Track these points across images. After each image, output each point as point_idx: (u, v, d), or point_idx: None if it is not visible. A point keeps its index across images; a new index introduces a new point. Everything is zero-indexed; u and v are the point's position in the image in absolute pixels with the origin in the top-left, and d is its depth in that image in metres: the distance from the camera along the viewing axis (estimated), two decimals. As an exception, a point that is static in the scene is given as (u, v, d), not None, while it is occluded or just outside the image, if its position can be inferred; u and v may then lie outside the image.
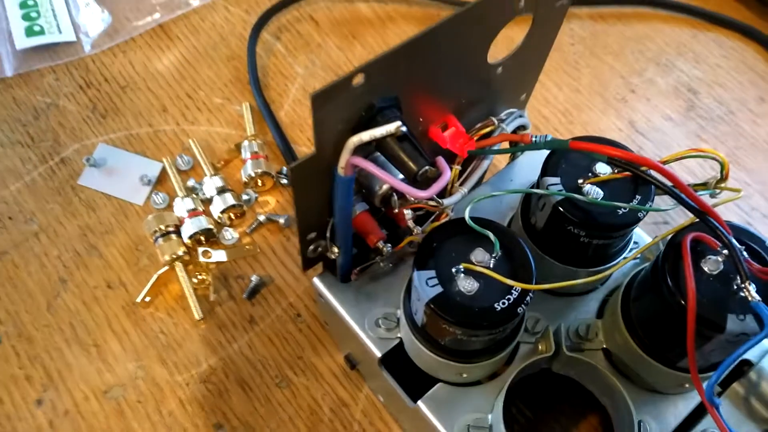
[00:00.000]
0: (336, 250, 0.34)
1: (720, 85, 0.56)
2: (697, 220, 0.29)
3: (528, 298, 0.29)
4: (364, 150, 0.29)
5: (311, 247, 0.34)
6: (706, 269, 0.29)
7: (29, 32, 0.54)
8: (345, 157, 0.28)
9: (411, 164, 0.28)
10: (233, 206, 0.47)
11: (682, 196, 0.29)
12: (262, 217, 0.48)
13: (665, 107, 0.55)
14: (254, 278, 0.45)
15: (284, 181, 0.49)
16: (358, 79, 0.26)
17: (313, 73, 0.55)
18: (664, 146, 0.53)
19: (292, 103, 0.53)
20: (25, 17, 0.55)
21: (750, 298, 0.27)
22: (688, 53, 0.58)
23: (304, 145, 0.51)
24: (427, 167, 0.28)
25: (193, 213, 0.46)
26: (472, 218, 0.30)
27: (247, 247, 0.47)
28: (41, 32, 0.55)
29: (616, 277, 0.38)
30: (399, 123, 0.27)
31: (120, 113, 0.52)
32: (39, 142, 0.51)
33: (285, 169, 0.49)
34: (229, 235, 0.47)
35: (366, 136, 0.27)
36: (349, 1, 0.59)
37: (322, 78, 0.55)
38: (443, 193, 0.35)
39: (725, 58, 0.58)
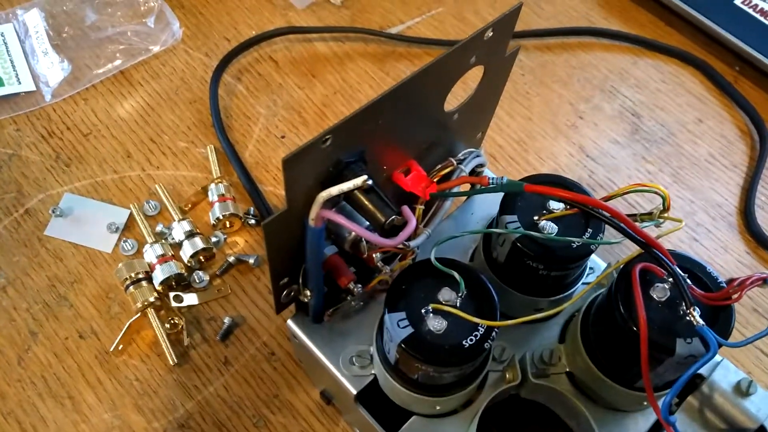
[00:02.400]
0: (308, 293, 0.35)
1: (661, 108, 0.60)
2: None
3: (493, 333, 0.31)
4: (332, 200, 0.30)
5: (284, 292, 0.35)
6: (654, 296, 0.32)
7: (-13, 83, 0.54)
8: (315, 210, 0.29)
9: (378, 215, 0.29)
10: (203, 249, 0.48)
11: (628, 230, 0.31)
12: (231, 258, 0.48)
13: (612, 131, 0.58)
14: (227, 320, 0.46)
15: (252, 221, 0.50)
16: (326, 141, 0.27)
17: (275, 113, 0.56)
18: (613, 169, 0.56)
19: (256, 143, 0.54)
20: (-18, 68, 0.55)
21: (695, 323, 0.29)
22: (630, 79, 0.61)
23: (270, 185, 0.52)
24: (393, 216, 0.30)
25: (162, 259, 0.47)
26: (437, 258, 0.32)
27: (218, 289, 0.47)
28: (-1, 83, 0.55)
29: (574, 303, 0.40)
30: (365, 177, 0.28)
31: (84, 161, 0.52)
32: (2, 194, 0.50)
33: (252, 209, 0.50)
34: (200, 278, 0.47)
35: (335, 190, 0.28)
36: (308, 41, 0.60)
37: (283, 117, 0.56)
38: (409, 236, 0.36)
39: (664, 82, 0.61)
